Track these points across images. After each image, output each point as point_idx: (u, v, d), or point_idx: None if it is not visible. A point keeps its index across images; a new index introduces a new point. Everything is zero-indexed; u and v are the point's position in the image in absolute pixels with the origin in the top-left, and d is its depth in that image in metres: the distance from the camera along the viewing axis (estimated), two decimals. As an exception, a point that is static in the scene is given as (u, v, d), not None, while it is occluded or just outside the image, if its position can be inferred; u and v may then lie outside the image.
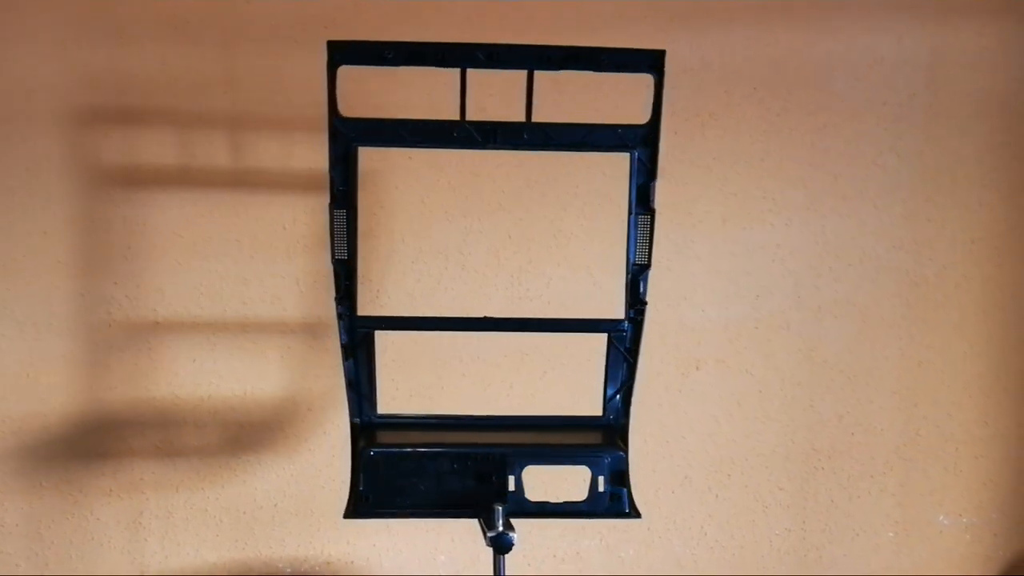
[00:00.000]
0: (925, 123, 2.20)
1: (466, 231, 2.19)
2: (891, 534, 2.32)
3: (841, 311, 2.24)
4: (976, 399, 2.29)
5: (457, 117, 1.54)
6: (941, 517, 2.33)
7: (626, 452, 1.55)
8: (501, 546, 1.46)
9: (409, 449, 1.56)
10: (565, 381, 2.22)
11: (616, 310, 2.22)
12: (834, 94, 2.19)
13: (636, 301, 1.60)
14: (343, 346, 1.62)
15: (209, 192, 2.15)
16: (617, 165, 2.16)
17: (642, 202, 1.56)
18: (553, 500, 1.55)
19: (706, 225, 2.21)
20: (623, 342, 1.62)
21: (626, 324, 1.61)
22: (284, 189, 2.16)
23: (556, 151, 1.57)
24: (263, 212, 2.16)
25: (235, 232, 2.16)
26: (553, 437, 1.60)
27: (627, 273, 1.58)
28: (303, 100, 2.12)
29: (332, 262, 1.56)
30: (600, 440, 1.58)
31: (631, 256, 1.58)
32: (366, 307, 2.19)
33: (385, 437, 1.61)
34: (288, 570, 2.25)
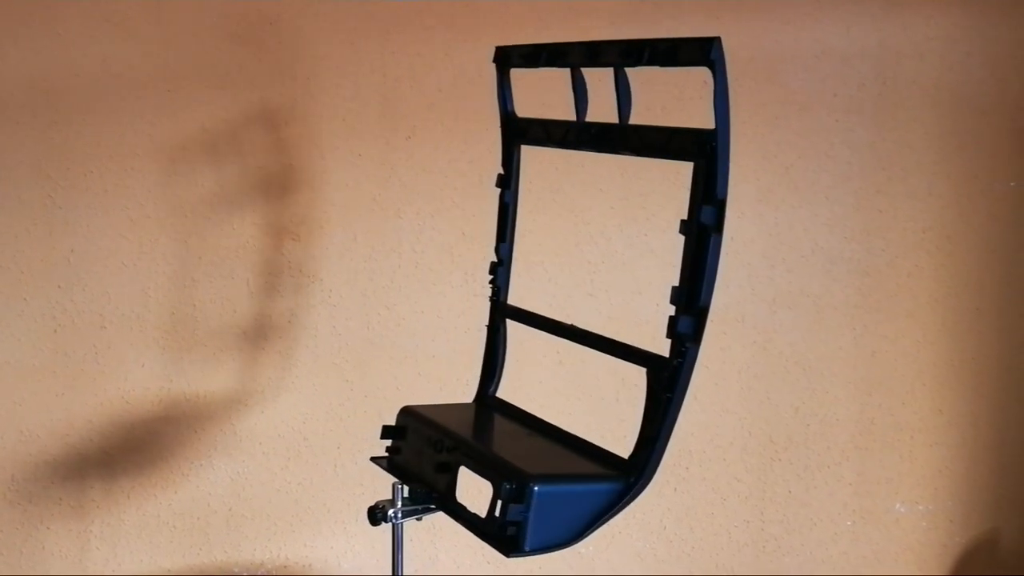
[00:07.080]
0: (875, 114, 2.21)
1: (419, 229, 2.17)
2: (849, 523, 2.34)
3: (795, 302, 2.25)
4: (930, 387, 2.31)
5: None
6: (897, 505, 2.35)
7: (546, 487, 1.29)
8: (369, 516, 1.48)
9: (421, 419, 1.53)
10: (521, 384, 2.21)
11: (573, 308, 2.22)
12: (784, 86, 2.19)
13: (682, 339, 1.28)
14: (488, 328, 1.65)
15: (153, 192, 2.11)
16: (568, 159, 2.16)
17: (707, 221, 1.24)
18: (472, 508, 1.45)
19: (659, 219, 2.20)
20: (660, 382, 1.32)
21: (669, 365, 1.30)
22: (232, 189, 2.12)
23: (640, 156, 1.40)
24: (211, 212, 2.12)
25: (183, 233, 2.12)
26: (523, 450, 1.44)
27: (676, 304, 1.27)
28: (251, 97, 2.09)
29: (496, 250, 1.63)
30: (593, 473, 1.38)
31: (690, 285, 1.26)
32: (318, 306, 2.17)
33: (489, 416, 1.61)
34: (244, 574, 2.23)
